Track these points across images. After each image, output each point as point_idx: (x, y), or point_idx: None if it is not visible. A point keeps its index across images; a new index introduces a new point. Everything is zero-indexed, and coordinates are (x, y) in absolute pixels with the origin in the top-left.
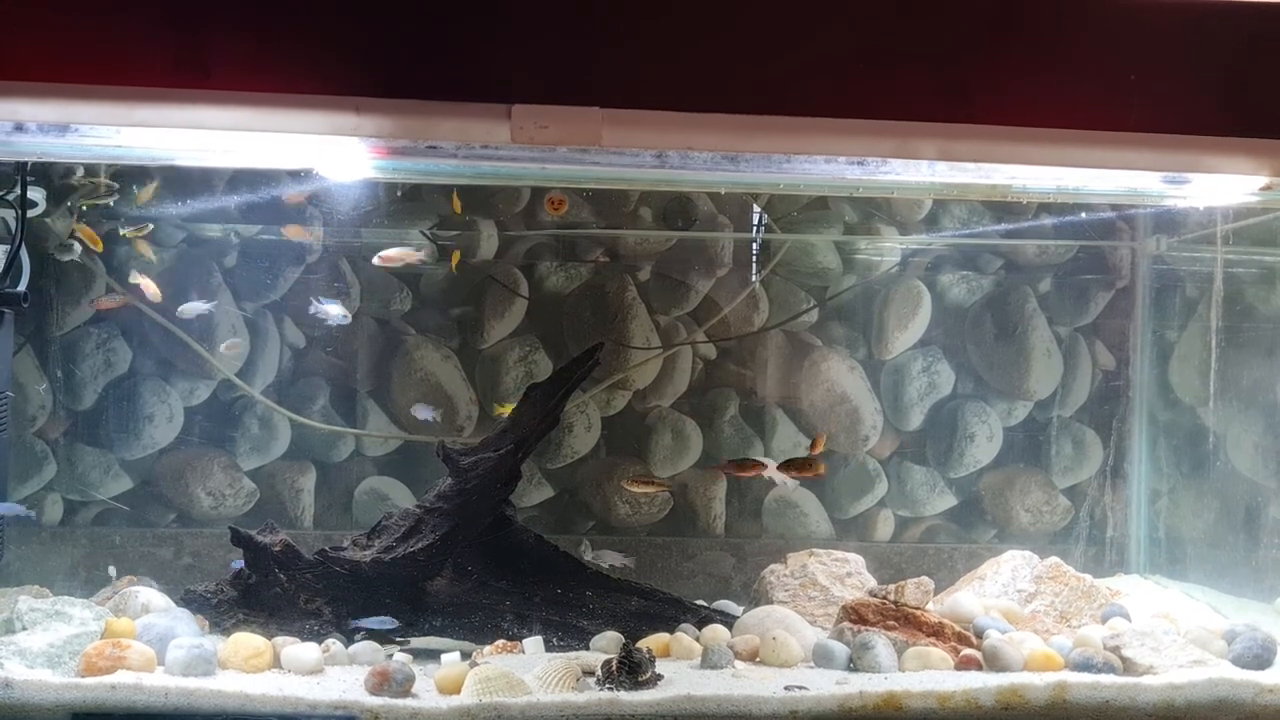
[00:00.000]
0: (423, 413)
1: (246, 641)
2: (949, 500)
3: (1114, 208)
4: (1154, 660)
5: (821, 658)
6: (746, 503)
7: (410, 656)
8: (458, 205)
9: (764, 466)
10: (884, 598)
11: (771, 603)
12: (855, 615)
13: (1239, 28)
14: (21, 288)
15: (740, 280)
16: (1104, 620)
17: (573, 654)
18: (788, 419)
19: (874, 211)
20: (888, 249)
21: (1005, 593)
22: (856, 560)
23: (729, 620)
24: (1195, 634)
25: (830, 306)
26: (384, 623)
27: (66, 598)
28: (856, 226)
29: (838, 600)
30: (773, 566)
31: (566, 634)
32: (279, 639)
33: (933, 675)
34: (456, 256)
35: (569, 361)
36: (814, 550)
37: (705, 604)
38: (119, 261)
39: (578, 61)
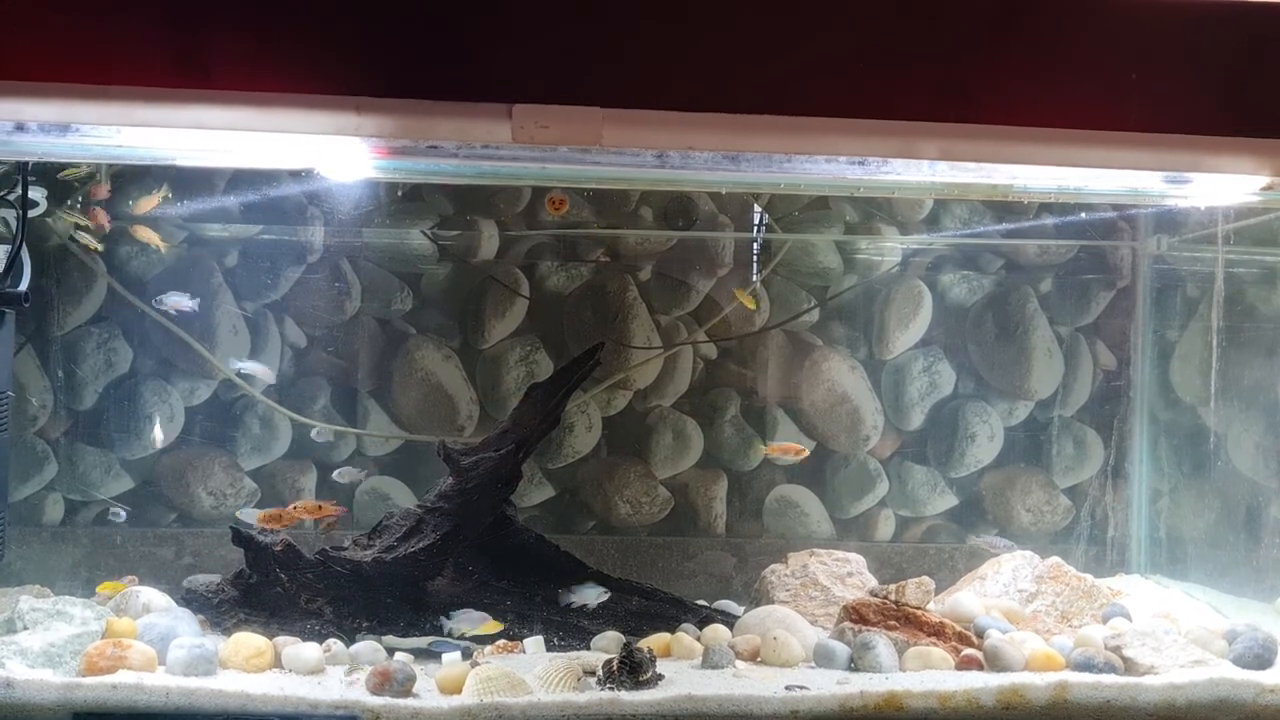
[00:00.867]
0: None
1: (247, 641)
2: (950, 500)
3: (1115, 207)
4: (1155, 660)
5: (822, 658)
6: (747, 502)
7: (411, 656)
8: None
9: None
10: (885, 597)
11: (772, 602)
12: (856, 615)
13: (1239, 28)
14: (22, 288)
15: (741, 280)
16: (1105, 620)
17: (574, 654)
18: (789, 419)
19: (875, 211)
20: (889, 249)
21: (1006, 593)
22: (857, 560)
23: (730, 620)
24: (1196, 634)
25: (831, 306)
26: (479, 619)
27: (67, 597)
28: (857, 226)
29: (839, 600)
30: (773, 566)
31: (567, 634)
32: (280, 638)
33: (934, 675)
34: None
35: (570, 361)
36: (815, 550)
37: (706, 604)
38: (119, 261)
39: (578, 61)
